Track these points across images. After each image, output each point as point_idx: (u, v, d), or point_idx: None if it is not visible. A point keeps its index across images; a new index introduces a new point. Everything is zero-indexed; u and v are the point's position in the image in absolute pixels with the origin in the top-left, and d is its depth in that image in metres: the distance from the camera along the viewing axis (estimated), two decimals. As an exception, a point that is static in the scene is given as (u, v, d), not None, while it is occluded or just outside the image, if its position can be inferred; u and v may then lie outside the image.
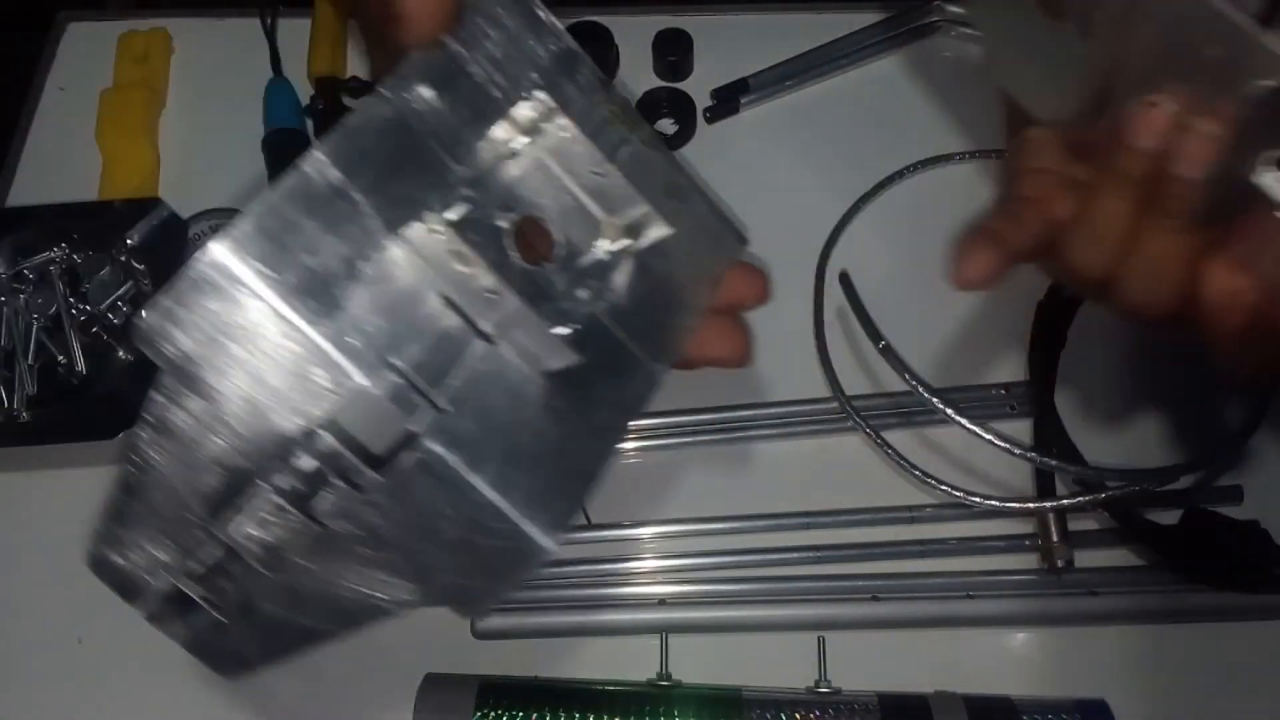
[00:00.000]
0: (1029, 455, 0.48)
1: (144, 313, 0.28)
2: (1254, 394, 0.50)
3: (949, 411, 0.47)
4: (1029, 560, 0.48)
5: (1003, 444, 0.46)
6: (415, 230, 0.31)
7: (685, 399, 0.52)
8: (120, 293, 0.53)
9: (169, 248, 0.54)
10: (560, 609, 0.48)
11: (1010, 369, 0.53)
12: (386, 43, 0.33)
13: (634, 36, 0.62)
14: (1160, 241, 0.37)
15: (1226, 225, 0.35)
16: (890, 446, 0.49)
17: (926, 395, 0.47)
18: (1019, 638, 0.47)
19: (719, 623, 0.47)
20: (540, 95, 0.34)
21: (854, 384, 0.51)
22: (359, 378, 0.29)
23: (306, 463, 0.30)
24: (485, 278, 0.32)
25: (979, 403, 0.52)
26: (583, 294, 0.34)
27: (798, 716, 0.41)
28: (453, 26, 0.33)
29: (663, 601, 0.48)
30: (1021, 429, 0.51)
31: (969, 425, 0.46)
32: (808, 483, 0.51)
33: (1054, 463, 0.47)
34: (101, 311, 0.52)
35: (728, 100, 0.60)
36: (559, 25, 0.35)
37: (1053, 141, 0.43)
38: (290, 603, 0.32)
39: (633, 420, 0.36)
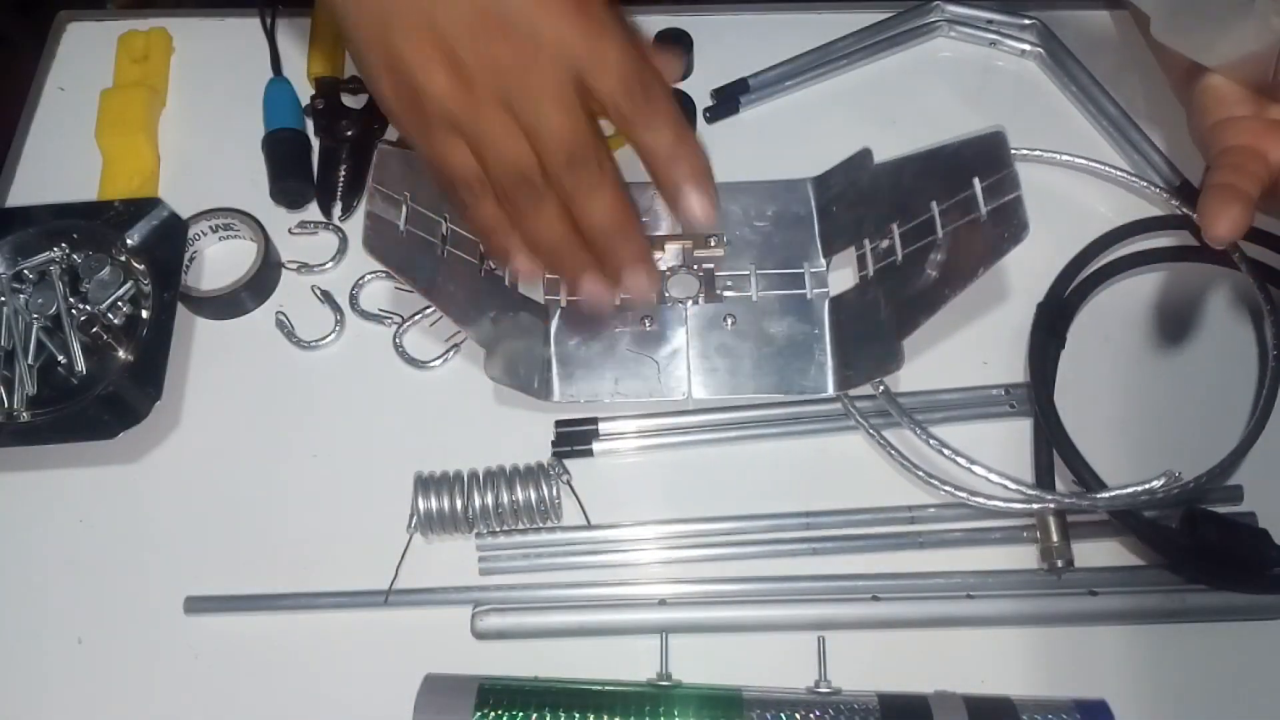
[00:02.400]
0: (1035, 494, 0.47)
1: None
2: (1256, 398, 0.50)
3: (958, 457, 0.47)
4: (1029, 560, 0.48)
5: (1013, 486, 0.47)
6: None
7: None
8: (120, 293, 0.53)
9: (169, 248, 0.54)
10: (560, 609, 0.48)
11: (1010, 369, 0.53)
12: None
13: (634, 36, 0.62)
14: None
15: None
16: (891, 445, 0.49)
17: (931, 441, 0.47)
18: (1019, 638, 0.47)
19: (719, 623, 0.47)
20: None
21: (854, 384, 0.51)
22: None
23: None
24: None
25: (979, 403, 0.52)
26: None
27: (798, 716, 0.41)
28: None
29: (663, 601, 0.48)
30: (1022, 428, 0.51)
31: (970, 466, 0.46)
32: (808, 483, 0.51)
33: (1068, 500, 0.47)
34: (101, 311, 0.52)
35: (728, 100, 0.60)
36: None
37: (1236, 88, 0.45)
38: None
39: None
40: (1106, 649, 0.47)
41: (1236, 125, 0.45)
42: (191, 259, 0.57)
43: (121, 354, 0.52)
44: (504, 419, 0.52)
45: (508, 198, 0.42)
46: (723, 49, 0.62)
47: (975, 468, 0.47)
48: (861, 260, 0.53)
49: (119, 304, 0.53)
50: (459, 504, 0.48)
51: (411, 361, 0.54)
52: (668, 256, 0.55)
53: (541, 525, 0.49)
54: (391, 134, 0.60)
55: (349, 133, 0.59)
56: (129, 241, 0.53)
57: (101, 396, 0.50)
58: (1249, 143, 0.44)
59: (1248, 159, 0.44)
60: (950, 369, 0.53)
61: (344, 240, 0.57)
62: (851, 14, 0.63)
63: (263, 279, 0.56)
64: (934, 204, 0.48)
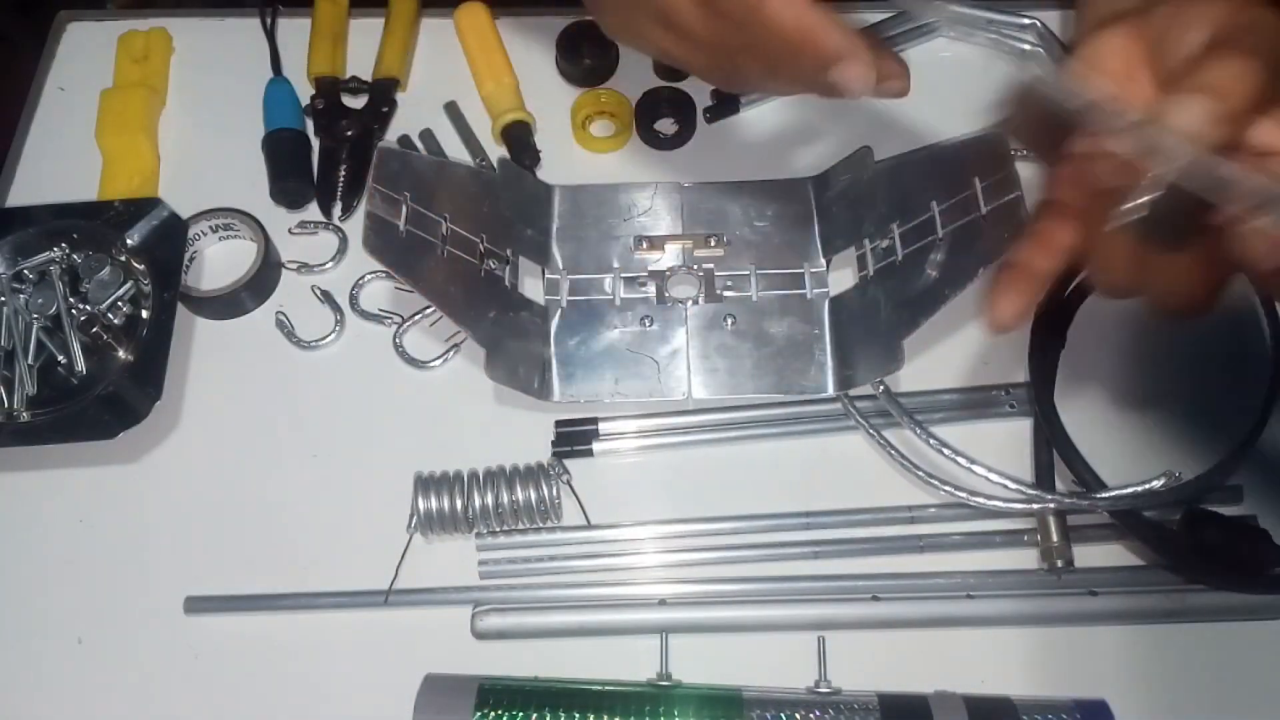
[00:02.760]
0: (1035, 494, 0.47)
1: None
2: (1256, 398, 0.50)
3: (958, 458, 0.47)
4: (1029, 560, 0.48)
5: (1013, 486, 0.47)
6: None
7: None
8: (120, 293, 0.53)
9: (169, 248, 0.54)
10: (560, 609, 0.48)
11: (1010, 369, 0.53)
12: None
13: (634, 36, 0.62)
14: (1171, 258, 0.37)
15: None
16: (892, 445, 0.49)
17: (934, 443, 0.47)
18: (1019, 638, 0.47)
19: (719, 623, 0.47)
20: None
21: (854, 384, 0.51)
22: None
23: None
24: None
25: (979, 403, 0.52)
26: None
27: (798, 716, 0.41)
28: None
29: (663, 601, 0.48)
30: (1022, 428, 0.51)
31: (970, 466, 0.47)
32: (808, 483, 0.51)
33: (1068, 500, 0.47)
34: (101, 311, 0.52)
35: (728, 100, 0.60)
36: None
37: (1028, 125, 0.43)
38: None
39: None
40: (1106, 649, 0.47)
41: (1062, 169, 0.40)
42: (191, 259, 0.57)
43: (121, 354, 0.52)
44: (504, 419, 0.52)
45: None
46: (723, 49, 0.62)
47: (975, 468, 0.47)
48: (861, 260, 0.53)
49: (119, 304, 0.53)
50: (459, 504, 0.48)
51: (411, 361, 0.54)
52: (668, 256, 0.55)
53: (541, 525, 0.49)
54: (391, 135, 0.60)
55: (349, 133, 0.59)
56: (129, 241, 0.53)
57: (101, 396, 0.50)
58: (1062, 196, 0.39)
59: (1056, 224, 0.39)
60: (950, 369, 0.53)
61: (344, 240, 0.57)
62: (851, 14, 0.63)
63: (263, 279, 0.56)
64: (934, 204, 0.48)
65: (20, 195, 0.59)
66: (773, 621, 0.47)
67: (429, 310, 0.55)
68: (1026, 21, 0.62)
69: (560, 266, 0.55)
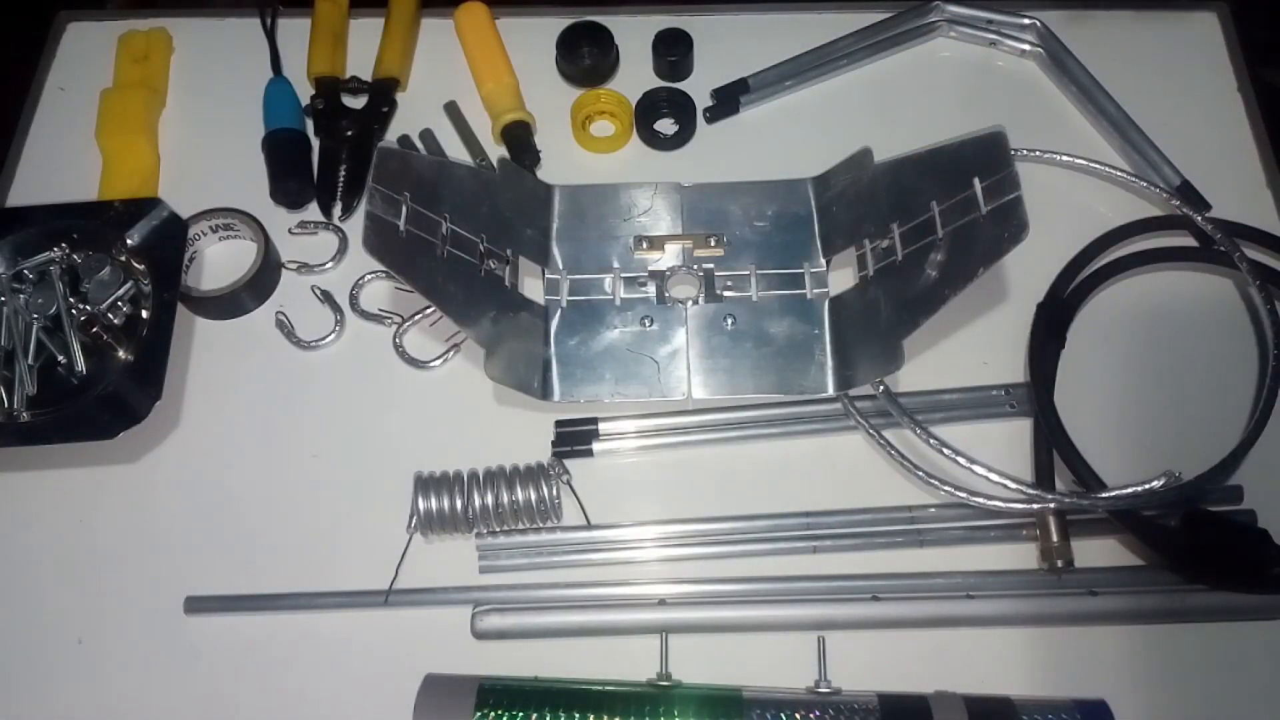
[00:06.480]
0: (1035, 494, 0.47)
1: None
2: (1256, 398, 0.50)
3: (958, 458, 0.46)
4: (1029, 560, 0.48)
5: (1013, 486, 0.47)
6: None
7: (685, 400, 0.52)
8: (120, 293, 0.53)
9: (169, 248, 0.54)
10: (560, 609, 0.48)
11: (1010, 369, 0.53)
12: None
13: (634, 36, 0.62)
14: None
15: None
16: (892, 446, 0.49)
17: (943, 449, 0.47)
18: (1019, 638, 0.47)
19: (719, 623, 0.47)
20: None
21: (854, 384, 0.51)
22: None
23: None
24: None
25: (979, 403, 0.52)
26: None
27: (798, 717, 0.41)
28: None
29: (663, 601, 0.48)
30: (1022, 428, 0.51)
31: (970, 465, 0.46)
32: (808, 483, 0.51)
33: (1068, 500, 0.47)
34: (101, 311, 0.52)
35: (728, 100, 0.60)
36: None
37: None
38: None
39: None
40: (1106, 649, 0.47)
41: None
42: (191, 259, 0.57)
43: (121, 354, 0.52)
44: (504, 419, 0.52)
45: None
46: (723, 49, 0.62)
47: (975, 467, 0.47)
48: (861, 260, 0.53)
49: (119, 304, 0.53)
50: (459, 504, 0.48)
51: (411, 361, 0.54)
52: (668, 256, 0.55)
53: (541, 525, 0.49)
54: (391, 135, 0.60)
55: (349, 133, 0.59)
56: (129, 241, 0.53)
57: (101, 396, 0.50)
58: None
59: None
60: (950, 369, 0.53)
61: (344, 240, 0.57)
62: (851, 14, 0.63)
63: (263, 279, 0.55)
64: (934, 204, 0.48)
65: (20, 195, 0.59)
66: (773, 621, 0.47)
67: (429, 310, 0.55)
68: (1026, 22, 0.62)
69: (560, 266, 0.55)
